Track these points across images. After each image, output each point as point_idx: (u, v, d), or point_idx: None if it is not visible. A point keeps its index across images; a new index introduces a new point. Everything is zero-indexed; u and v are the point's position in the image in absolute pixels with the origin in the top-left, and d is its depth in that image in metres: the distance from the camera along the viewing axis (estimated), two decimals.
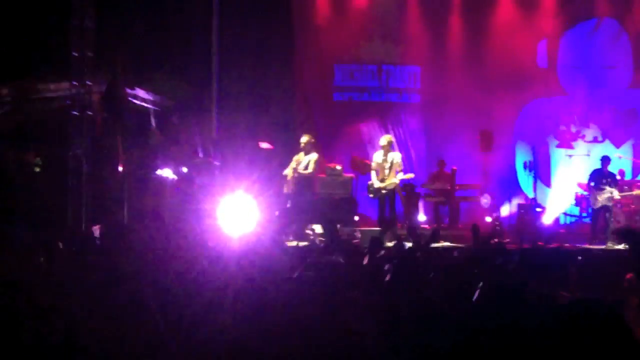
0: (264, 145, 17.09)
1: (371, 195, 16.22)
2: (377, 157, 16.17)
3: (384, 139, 16.29)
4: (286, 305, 3.61)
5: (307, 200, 15.95)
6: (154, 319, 3.93)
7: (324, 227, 13.87)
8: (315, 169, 15.98)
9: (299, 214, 15.40)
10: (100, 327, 3.78)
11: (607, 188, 16.34)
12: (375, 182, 16.03)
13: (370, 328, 3.26)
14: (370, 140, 19.47)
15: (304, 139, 16.08)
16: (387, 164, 15.89)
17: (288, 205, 15.69)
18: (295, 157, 16.05)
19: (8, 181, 14.01)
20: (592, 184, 16.62)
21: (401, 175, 15.93)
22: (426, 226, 17.58)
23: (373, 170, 16.11)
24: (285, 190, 16.03)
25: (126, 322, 3.86)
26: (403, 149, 19.23)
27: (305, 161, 15.88)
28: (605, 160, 16.76)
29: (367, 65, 20.34)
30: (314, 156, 15.96)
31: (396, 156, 16.06)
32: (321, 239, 13.34)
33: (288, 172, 15.87)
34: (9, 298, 4.07)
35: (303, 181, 15.90)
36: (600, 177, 16.57)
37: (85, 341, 3.69)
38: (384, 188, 15.84)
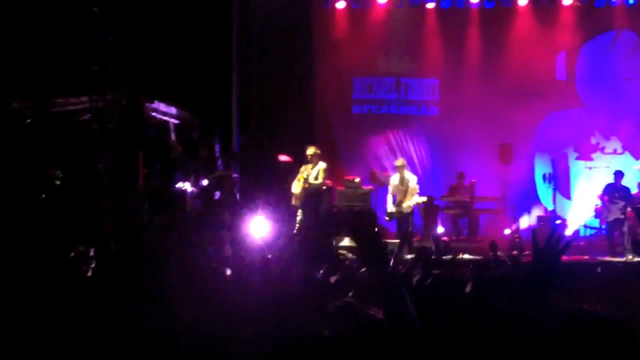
0: (284, 158, 17.14)
1: (387, 219, 16.38)
2: (394, 180, 16.37)
3: (398, 162, 16.53)
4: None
5: (316, 211, 15.96)
6: (176, 330, 3.96)
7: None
8: (324, 178, 16.00)
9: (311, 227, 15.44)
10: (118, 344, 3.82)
11: (620, 202, 16.35)
12: (390, 206, 16.23)
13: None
14: (389, 152, 19.51)
15: (310, 150, 16.00)
16: (404, 187, 16.07)
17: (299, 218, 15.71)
18: (302, 169, 16.05)
19: (29, 194, 14.09)
20: (606, 197, 16.67)
21: (417, 198, 16.06)
22: (445, 238, 17.59)
23: (390, 194, 16.27)
24: (293, 202, 16.02)
25: (146, 335, 3.90)
26: (421, 161, 19.28)
27: (314, 172, 15.87)
28: (619, 175, 16.77)
29: (385, 78, 20.39)
30: (322, 165, 15.96)
31: (412, 180, 16.21)
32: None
33: (296, 188, 15.87)
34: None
35: (312, 191, 15.91)
36: (614, 191, 16.58)
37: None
38: (401, 212, 16.06)
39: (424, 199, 16.37)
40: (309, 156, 15.96)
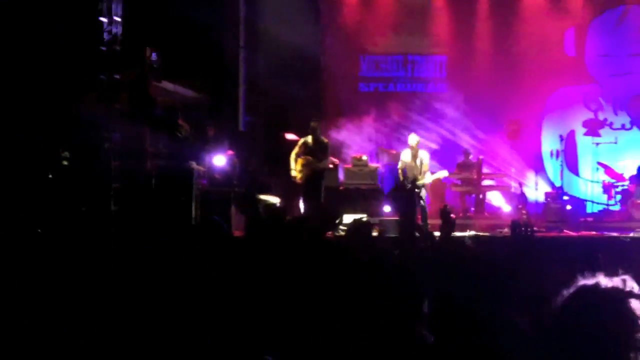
0: (290, 136, 17.12)
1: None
2: (405, 156, 15.58)
3: (413, 139, 15.54)
4: None
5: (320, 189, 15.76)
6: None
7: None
8: (328, 155, 15.78)
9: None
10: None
11: None
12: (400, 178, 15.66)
13: None
14: (397, 130, 19.47)
15: (314, 123, 15.64)
16: (417, 164, 15.34)
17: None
18: (301, 142, 15.74)
19: (38, 175, 14.14)
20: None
21: (436, 175, 15.57)
22: (452, 215, 17.46)
23: (400, 169, 15.60)
24: (299, 180, 15.71)
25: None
26: (429, 138, 19.26)
27: (319, 149, 15.56)
28: None
29: (393, 56, 20.36)
30: (327, 142, 15.70)
31: (425, 157, 15.48)
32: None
33: (295, 171, 15.58)
34: None
35: (318, 172, 15.67)
36: None
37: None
38: (417, 187, 15.30)
39: (445, 172, 15.99)
40: (311, 128, 15.61)
